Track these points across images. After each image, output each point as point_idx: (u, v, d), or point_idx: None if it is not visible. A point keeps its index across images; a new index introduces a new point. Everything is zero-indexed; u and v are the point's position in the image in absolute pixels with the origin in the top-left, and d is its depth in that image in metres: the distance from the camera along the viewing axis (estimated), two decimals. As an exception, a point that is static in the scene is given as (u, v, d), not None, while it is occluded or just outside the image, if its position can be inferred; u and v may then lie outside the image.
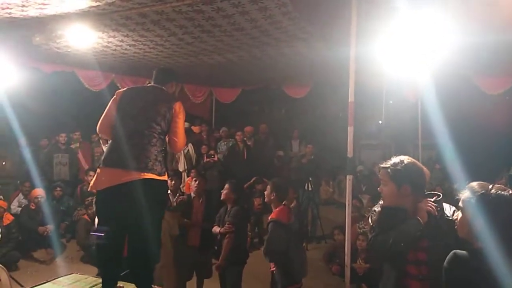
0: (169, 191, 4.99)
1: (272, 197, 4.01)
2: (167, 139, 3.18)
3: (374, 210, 2.42)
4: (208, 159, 8.22)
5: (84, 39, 5.15)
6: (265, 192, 4.11)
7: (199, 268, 4.82)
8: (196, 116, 10.22)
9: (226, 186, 4.54)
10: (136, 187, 2.84)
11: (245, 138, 8.89)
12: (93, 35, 5.18)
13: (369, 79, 7.62)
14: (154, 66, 7.06)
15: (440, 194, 2.34)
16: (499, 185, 1.86)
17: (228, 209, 4.47)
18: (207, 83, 10.16)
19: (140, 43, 5.79)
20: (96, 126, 3.18)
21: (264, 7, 4.22)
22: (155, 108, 3.05)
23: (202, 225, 4.72)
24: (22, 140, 7.92)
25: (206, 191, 5.00)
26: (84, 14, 4.52)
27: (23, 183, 7.57)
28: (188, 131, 3.30)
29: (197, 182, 4.90)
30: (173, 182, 5.49)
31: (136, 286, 3.03)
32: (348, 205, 3.82)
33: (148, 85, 3.32)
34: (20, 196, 7.55)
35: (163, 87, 3.22)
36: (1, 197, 7.03)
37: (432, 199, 2.30)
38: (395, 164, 2.30)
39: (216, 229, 4.46)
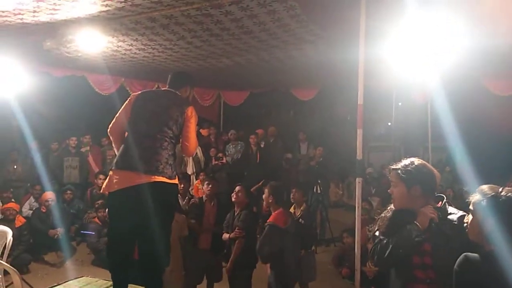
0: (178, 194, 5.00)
1: (270, 201, 4.03)
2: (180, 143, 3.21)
3: (382, 216, 2.41)
4: (216, 162, 8.24)
5: (94, 44, 5.19)
6: (264, 196, 4.11)
7: (210, 272, 4.80)
8: (204, 119, 10.25)
9: (239, 189, 4.47)
10: (147, 190, 2.87)
11: (258, 141, 8.88)
12: (103, 39, 5.23)
13: (378, 81, 7.59)
14: (163, 70, 7.15)
15: (444, 196, 2.32)
16: (509, 188, 1.86)
17: (236, 213, 4.43)
18: (215, 86, 10.20)
19: (150, 47, 5.83)
20: (106, 130, 3.21)
21: (273, 10, 4.23)
22: (168, 112, 3.07)
23: (214, 229, 4.69)
24: (34, 144, 8.02)
25: (217, 194, 4.99)
26: (94, 19, 4.57)
27: (33, 186, 7.63)
28: (196, 135, 3.33)
29: (210, 186, 4.86)
30: (182, 185, 5.51)
31: (146, 289, 3.05)
32: (358, 207, 3.80)
33: (163, 89, 3.36)
34: (31, 199, 7.61)
35: (177, 92, 3.24)
36: (13, 200, 7.11)
37: (440, 203, 2.29)
38: (405, 166, 2.30)
39: (226, 235, 4.43)
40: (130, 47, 5.82)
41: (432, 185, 2.28)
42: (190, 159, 7.99)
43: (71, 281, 3.55)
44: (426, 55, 5.08)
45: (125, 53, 6.20)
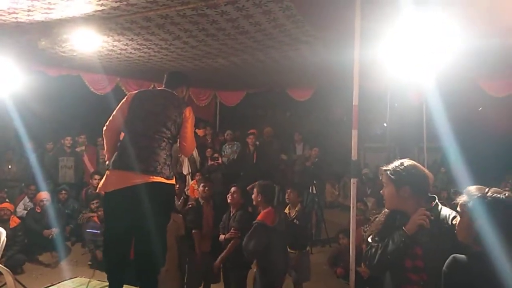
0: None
1: (259, 199, 4.04)
2: (177, 143, 3.21)
3: (376, 221, 2.42)
4: (212, 162, 8.23)
5: (89, 43, 5.18)
6: (253, 195, 4.12)
7: (208, 274, 4.80)
8: (201, 119, 10.24)
9: (234, 190, 4.45)
10: (145, 190, 2.87)
11: (255, 142, 8.85)
12: (98, 39, 5.21)
13: (374, 82, 7.61)
14: (159, 70, 7.13)
15: (436, 197, 2.32)
16: (495, 188, 1.88)
17: (232, 214, 4.42)
18: (211, 86, 10.19)
19: (145, 46, 5.82)
20: (101, 129, 3.20)
21: (268, 10, 4.23)
22: (166, 112, 3.06)
23: (214, 231, 4.66)
24: (30, 144, 7.98)
25: (213, 195, 4.98)
26: (89, 18, 4.56)
27: (28, 186, 7.60)
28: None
29: (205, 188, 4.85)
30: (177, 185, 5.49)
31: (141, 289, 3.04)
32: (353, 208, 3.81)
33: (159, 88, 3.35)
34: (26, 199, 7.57)
35: (174, 91, 3.24)
36: (7, 200, 7.07)
37: (432, 204, 2.29)
38: (395, 167, 2.31)
39: (222, 237, 4.42)
40: (126, 46, 5.81)
41: (422, 186, 2.28)
42: (186, 159, 7.98)
43: (65, 282, 3.55)
44: (421, 55, 5.09)
45: (120, 53, 6.18)
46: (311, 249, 6.84)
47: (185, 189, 7.33)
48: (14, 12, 4.34)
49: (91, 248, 6.47)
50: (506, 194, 1.84)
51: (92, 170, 8.39)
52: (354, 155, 3.79)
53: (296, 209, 5.14)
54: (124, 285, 3.13)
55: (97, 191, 3.38)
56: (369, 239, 2.35)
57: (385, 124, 11.08)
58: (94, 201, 7.00)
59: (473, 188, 1.92)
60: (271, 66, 7.04)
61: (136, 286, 3.12)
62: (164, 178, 2.96)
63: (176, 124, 3.09)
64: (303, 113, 12.65)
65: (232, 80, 8.84)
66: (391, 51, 5.10)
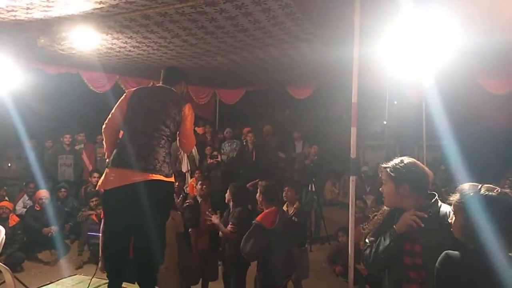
0: (172, 192, 4.99)
1: (261, 199, 4.07)
2: (177, 140, 3.21)
3: (374, 220, 2.42)
4: (211, 160, 8.22)
5: (88, 41, 5.17)
6: (257, 195, 4.14)
7: (206, 271, 4.81)
8: (200, 117, 10.23)
9: (228, 189, 4.55)
10: (144, 188, 2.87)
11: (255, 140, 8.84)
12: (97, 37, 5.20)
13: (374, 80, 7.60)
14: (158, 68, 7.09)
15: (435, 194, 2.33)
16: (488, 185, 1.89)
17: (231, 210, 4.46)
18: (210, 84, 10.18)
19: (144, 44, 5.80)
20: (100, 127, 3.19)
21: (268, 8, 4.22)
22: (165, 110, 3.05)
23: (211, 229, 4.67)
24: (31, 143, 7.97)
25: (211, 193, 5.00)
26: (88, 16, 4.55)
27: (27, 184, 7.60)
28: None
29: (204, 186, 4.89)
30: (176, 183, 5.50)
31: (140, 287, 3.04)
32: (351, 205, 3.80)
33: (158, 85, 3.31)
34: (25, 197, 7.58)
35: (172, 88, 3.22)
36: (6, 198, 7.07)
37: (432, 200, 2.29)
38: (395, 164, 2.32)
39: (221, 233, 4.44)
40: (125, 44, 5.80)
41: (421, 184, 2.29)
42: (185, 157, 7.97)
43: (64, 279, 3.55)
44: (420, 53, 5.09)
45: (119, 51, 6.17)
46: (310, 247, 6.86)
47: (184, 187, 7.32)
48: (12, 10, 4.33)
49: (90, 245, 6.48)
50: (499, 191, 1.85)
51: (91, 168, 8.39)
52: (353, 153, 3.78)
53: (294, 206, 5.16)
54: (123, 283, 3.13)
55: (96, 188, 3.36)
56: (367, 240, 2.36)
57: (384, 122, 11.06)
58: (93, 199, 7.01)
59: (466, 186, 1.93)
60: (270, 64, 7.03)
61: (135, 284, 3.12)
62: (163, 175, 2.96)
63: (175, 122, 3.08)
64: (303, 111, 12.64)
65: (232, 78, 8.83)
66: (390, 49, 5.09)
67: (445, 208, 2.24)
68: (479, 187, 1.88)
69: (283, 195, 5.30)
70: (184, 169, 7.98)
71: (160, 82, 3.29)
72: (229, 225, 4.31)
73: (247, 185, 7.62)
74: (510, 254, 1.77)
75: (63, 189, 7.69)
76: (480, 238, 1.78)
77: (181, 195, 6.23)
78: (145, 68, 7.37)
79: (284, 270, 4.04)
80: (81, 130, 8.94)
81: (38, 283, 3.49)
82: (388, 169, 2.32)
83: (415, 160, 2.35)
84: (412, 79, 6.49)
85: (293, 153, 9.37)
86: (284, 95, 10.15)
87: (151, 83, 8.20)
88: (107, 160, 3.17)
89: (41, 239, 6.68)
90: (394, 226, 2.23)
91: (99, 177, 3.10)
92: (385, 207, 2.40)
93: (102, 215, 3.34)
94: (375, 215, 2.44)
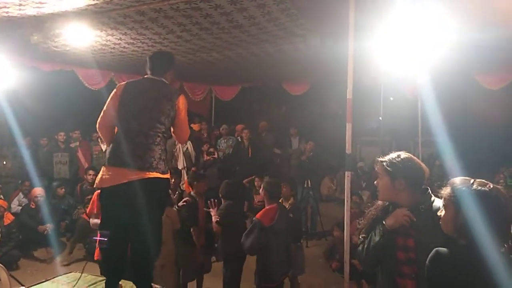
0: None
1: (263, 195, 4.16)
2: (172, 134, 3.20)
3: (367, 215, 2.42)
4: (208, 157, 8.22)
5: (82, 38, 5.14)
6: (260, 191, 4.22)
7: (202, 266, 4.85)
8: (196, 113, 10.22)
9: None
10: (141, 186, 2.86)
11: (250, 136, 8.85)
12: (91, 33, 5.16)
13: (369, 76, 7.60)
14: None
15: (428, 188, 2.32)
16: (480, 180, 1.86)
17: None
18: (206, 81, 10.16)
19: (139, 41, 5.78)
20: (95, 125, 3.16)
21: (262, 4, 4.20)
22: (160, 108, 2.99)
23: (208, 225, 4.72)
24: (26, 141, 7.93)
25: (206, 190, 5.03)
26: (81, 13, 4.51)
27: (23, 182, 7.57)
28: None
29: (200, 184, 4.93)
30: (172, 180, 5.49)
31: (136, 285, 3.03)
32: (347, 201, 3.82)
33: (148, 77, 3.14)
34: (20, 195, 7.55)
35: (163, 79, 3.12)
36: (1, 196, 7.04)
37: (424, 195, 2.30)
38: (391, 158, 2.31)
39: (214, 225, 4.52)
40: (119, 41, 5.77)
41: (417, 179, 2.28)
42: (181, 154, 7.97)
43: (60, 277, 3.53)
44: (415, 49, 5.09)
45: (114, 47, 6.14)
46: (306, 242, 6.88)
47: (180, 184, 7.32)
48: (5, 7, 4.29)
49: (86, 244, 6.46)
50: (491, 186, 1.82)
51: (86, 165, 8.36)
52: (348, 149, 3.79)
53: (290, 202, 5.17)
54: (121, 280, 3.13)
55: (94, 186, 3.33)
56: (360, 236, 2.37)
57: (380, 118, 11.08)
58: (89, 196, 6.97)
59: (457, 180, 1.90)
60: (265, 60, 7.02)
61: (131, 281, 3.12)
62: (159, 173, 2.95)
63: (169, 118, 3.04)
64: (298, 107, 12.65)
65: (227, 74, 8.81)
66: (385, 45, 5.09)
67: (438, 203, 2.23)
68: (471, 181, 1.85)
69: None
70: (180, 166, 7.98)
71: (149, 72, 3.15)
72: (214, 217, 4.44)
73: (244, 181, 7.63)
74: (502, 250, 1.75)
75: (62, 187, 7.65)
76: (470, 233, 1.75)
77: (177, 192, 6.23)
78: (140, 64, 7.27)
79: (282, 266, 4.07)
80: (76, 128, 8.91)
81: (34, 281, 3.47)
82: (384, 163, 2.31)
83: (412, 156, 2.34)
84: (407, 75, 6.50)
85: (289, 149, 9.38)
86: (280, 92, 10.15)
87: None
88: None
89: (37, 237, 6.66)
90: (384, 222, 2.23)
91: (95, 175, 3.09)
92: (379, 201, 2.40)
93: (88, 210, 3.32)
94: (370, 210, 2.44)
